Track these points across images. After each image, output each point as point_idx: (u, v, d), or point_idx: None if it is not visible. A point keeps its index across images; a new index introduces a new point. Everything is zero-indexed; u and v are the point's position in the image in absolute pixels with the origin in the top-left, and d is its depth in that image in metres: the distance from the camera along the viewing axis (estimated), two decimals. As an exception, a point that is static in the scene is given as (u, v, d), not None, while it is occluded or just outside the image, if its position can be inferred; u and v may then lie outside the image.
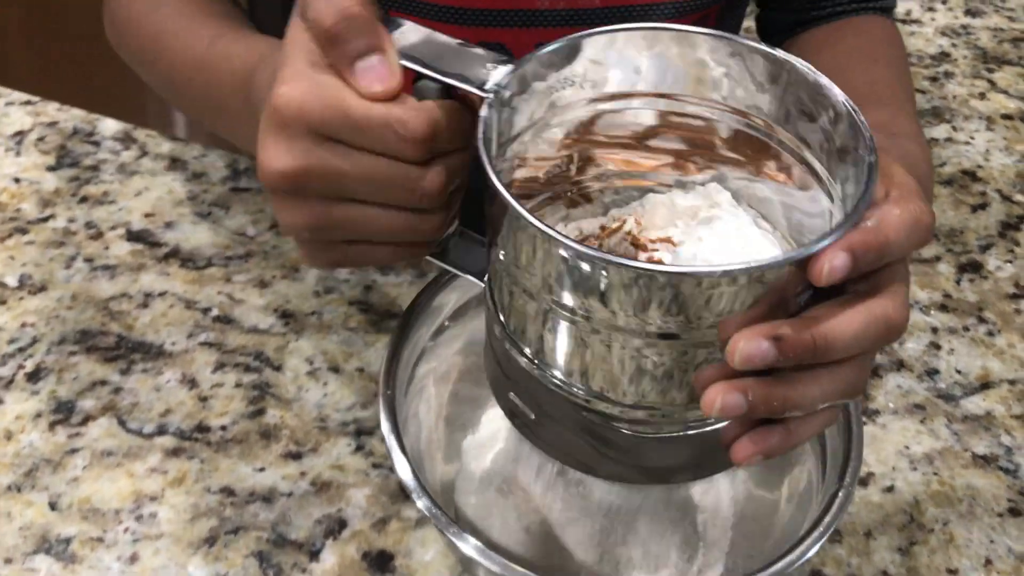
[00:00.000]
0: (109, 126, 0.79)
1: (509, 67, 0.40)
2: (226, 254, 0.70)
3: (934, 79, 0.91)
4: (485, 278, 0.43)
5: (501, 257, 0.39)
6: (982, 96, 0.89)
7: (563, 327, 0.38)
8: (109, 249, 0.70)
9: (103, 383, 0.61)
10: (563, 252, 0.35)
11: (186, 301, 0.66)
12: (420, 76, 0.40)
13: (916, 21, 0.98)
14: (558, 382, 0.40)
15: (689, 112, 0.44)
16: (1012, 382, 0.65)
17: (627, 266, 0.35)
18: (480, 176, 0.38)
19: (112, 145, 0.78)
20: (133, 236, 0.71)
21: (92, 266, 0.68)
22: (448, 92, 0.40)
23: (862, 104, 0.58)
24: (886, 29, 0.68)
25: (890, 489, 0.59)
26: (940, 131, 0.85)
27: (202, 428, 0.59)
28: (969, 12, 1.00)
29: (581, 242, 0.36)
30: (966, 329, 0.68)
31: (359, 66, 0.38)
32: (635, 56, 0.43)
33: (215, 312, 0.66)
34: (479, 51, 0.41)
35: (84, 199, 0.73)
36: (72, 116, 0.80)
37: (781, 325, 0.35)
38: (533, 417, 0.43)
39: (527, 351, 0.40)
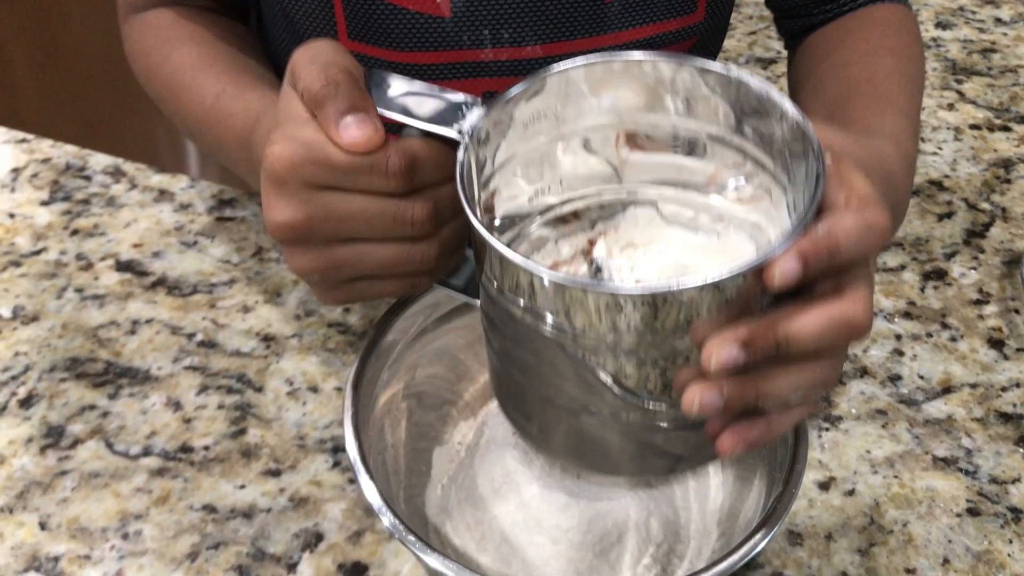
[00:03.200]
0: (100, 160, 0.82)
1: (482, 110, 0.43)
2: (211, 281, 0.72)
3: (904, 92, 0.93)
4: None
5: (486, 283, 0.42)
6: (951, 107, 0.91)
7: (547, 344, 0.41)
8: (99, 279, 0.72)
9: (92, 407, 0.64)
10: (533, 278, 0.38)
11: (172, 327, 0.69)
12: (404, 125, 0.44)
13: (887, 35, 1.00)
14: (554, 380, 0.43)
15: (655, 133, 0.46)
16: (973, 386, 0.67)
17: (593, 290, 0.37)
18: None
19: (103, 179, 0.81)
20: (122, 266, 0.73)
21: (82, 296, 0.71)
22: (428, 136, 0.44)
23: (857, 99, 0.60)
24: (896, 15, 0.68)
25: (851, 492, 0.60)
26: (908, 143, 0.87)
27: (186, 448, 0.62)
28: (940, 24, 1.02)
29: (553, 266, 0.40)
30: (929, 335, 0.70)
31: (343, 123, 0.43)
32: (600, 85, 0.45)
33: (200, 337, 0.68)
34: (455, 96, 0.44)
35: (75, 232, 0.76)
36: (65, 152, 0.83)
37: (747, 329, 0.38)
38: (535, 424, 0.47)
39: (524, 352, 0.43)
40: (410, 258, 0.45)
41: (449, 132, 0.43)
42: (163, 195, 0.79)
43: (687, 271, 0.46)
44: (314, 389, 0.65)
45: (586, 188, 0.48)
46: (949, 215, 0.80)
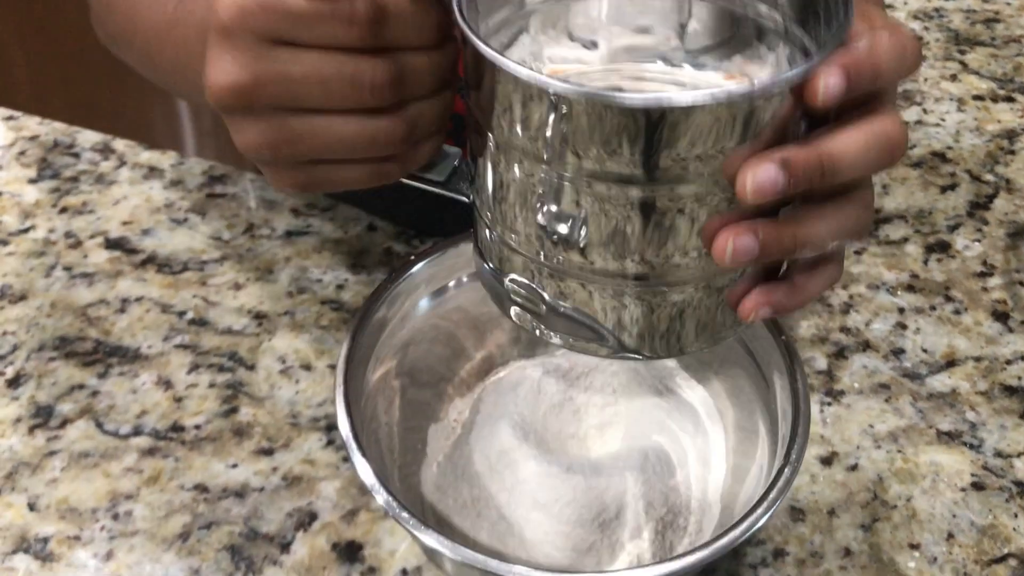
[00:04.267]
0: (89, 137, 0.81)
1: None
2: (201, 258, 0.71)
3: (906, 63, 0.91)
4: (464, 186, 0.43)
5: (491, 124, 0.38)
6: (953, 78, 0.89)
7: (557, 190, 0.37)
8: (88, 257, 0.71)
9: (81, 387, 0.63)
10: (552, 93, 0.33)
11: (162, 305, 0.68)
12: None
13: (889, 6, 0.99)
14: (560, 247, 0.39)
15: None
16: (978, 359, 0.66)
17: (618, 101, 0.33)
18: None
19: (92, 156, 0.79)
20: (111, 244, 0.72)
21: (71, 274, 0.70)
22: None
23: None
24: None
25: (854, 468, 0.59)
26: (911, 114, 0.85)
27: (177, 428, 0.61)
28: (942, -5, 1.00)
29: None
30: (933, 308, 0.69)
31: None
32: None
33: (190, 315, 0.67)
34: None
35: (64, 209, 0.75)
36: (53, 129, 0.82)
37: (787, 149, 0.35)
38: (543, 306, 0.42)
39: (519, 227, 0.39)
40: (372, 135, 0.40)
41: None
42: (153, 172, 0.78)
43: None
44: (307, 367, 0.64)
45: (591, 54, 0.44)
46: (952, 187, 0.79)
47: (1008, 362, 0.66)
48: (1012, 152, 0.82)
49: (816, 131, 0.36)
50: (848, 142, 0.36)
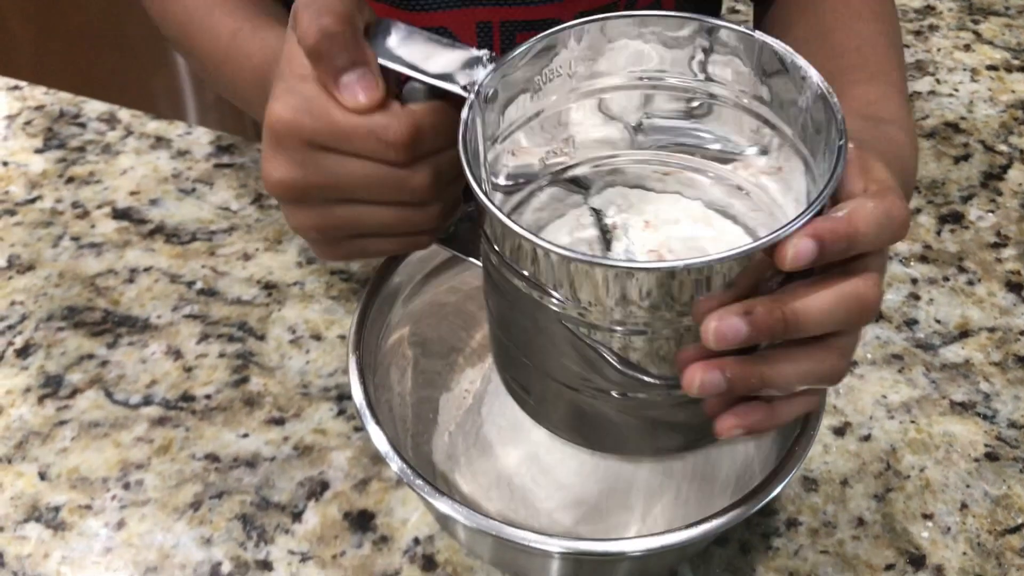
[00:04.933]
0: (95, 107, 0.80)
1: (491, 66, 0.41)
2: (210, 228, 0.71)
3: (918, 33, 0.90)
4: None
5: (487, 250, 0.41)
6: (967, 48, 0.89)
7: (548, 316, 0.39)
8: (95, 227, 0.71)
9: (90, 357, 0.63)
10: (536, 249, 0.37)
11: (171, 275, 0.67)
12: (408, 78, 0.42)
13: (902, -25, 0.98)
14: (556, 355, 0.41)
15: (673, 96, 0.44)
16: (991, 330, 0.65)
17: (598, 264, 0.36)
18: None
19: (98, 126, 0.79)
20: (119, 214, 0.72)
21: (79, 244, 0.70)
22: (435, 91, 0.42)
23: (851, 73, 0.58)
24: None
25: (867, 438, 0.59)
26: (923, 84, 0.85)
27: (187, 398, 0.60)
28: (955, -36, 0.99)
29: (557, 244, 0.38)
30: (946, 279, 0.69)
31: (343, 80, 0.41)
32: (616, 43, 0.43)
33: (199, 285, 0.67)
34: (465, 50, 0.42)
35: (71, 180, 0.74)
36: (59, 99, 0.81)
37: (752, 303, 0.36)
38: (533, 395, 0.45)
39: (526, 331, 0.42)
40: (411, 221, 0.44)
41: (455, 88, 0.41)
42: (160, 142, 0.77)
43: (698, 244, 0.44)
44: (317, 337, 0.64)
45: (599, 151, 0.47)
46: (966, 157, 0.78)
47: (1022, 332, 0.65)
48: (1026, 122, 0.81)
49: (789, 286, 0.37)
50: (816, 301, 0.36)
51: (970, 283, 0.68)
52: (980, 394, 0.62)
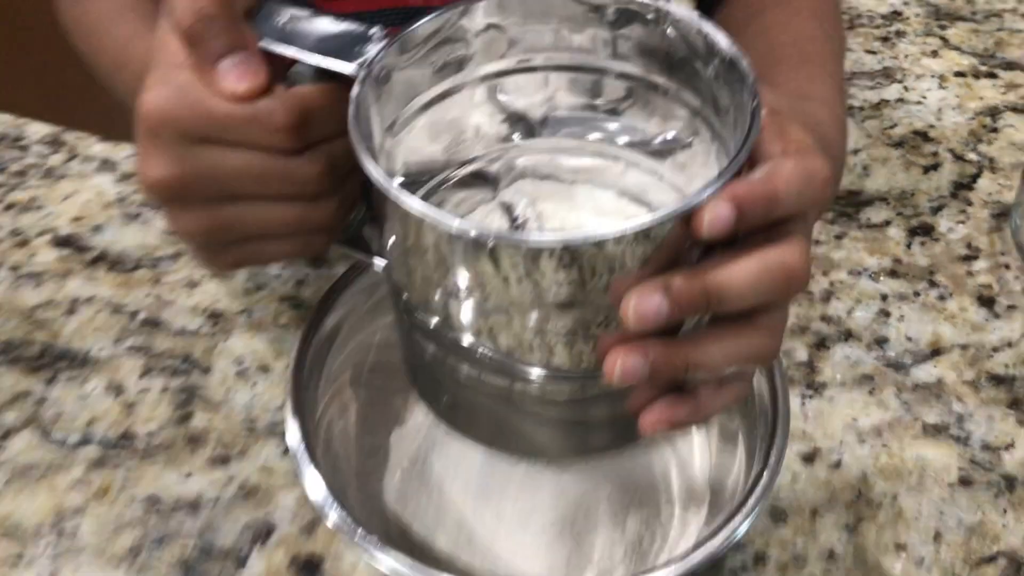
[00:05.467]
0: (37, 130, 0.77)
1: (382, 43, 0.38)
2: (155, 255, 0.68)
3: (885, 39, 0.89)
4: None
5: (387, 241, 0.37)
6: (935, 54, 0.87)
7: (460, 301, 0.36)
8: (35, 256, 0.68)
9: (26, 394, 0.60)
10: (440, 231, 0.33)
11: (113, 305, 0.65)
12: (294, 62, 0.39)
13: (868, -20, 0.96)
14: (468, 350, 0.38)
15: (584, 72, 0.42)
16: (964, 347, 0.63)
17: (508, 241, 0.33)
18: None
19: (40, 149, 0.76)
20: (60, 242, 0.69)
21: (17, 275, 0.67)
22: (323, 73, 0.39)
23: (783, 63, 0.56)
24: None
25: (837, 465, 0.57)
26: (891, 92, 0.83)
27: (128, 436, 0.58)
28: (922, -32, 0.98)
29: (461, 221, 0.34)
30: (916, 295, 0.67)
31: (221, 66, 0.38)
32: (525, 19, 0.41)
33: (143, 316, 0.64)
34: (355, 28, 0.39)
35: (10, 206, 0.71)
36: (1, 121, 0.78)
37: (671, 277, 0.34)
38: (447, 399, 0.42)
39: (433, 322, 0.39)
40: (305, 219, 0.40)
41: (343, 66, 0.38)
42: (105, 165, 0.75)
43: None
44: (264, 369, 0.61)
45: (505, 142, 0.44)
46: (935, 167, 0.76)
47: (995, 349, 0.63)
48: (995, 130, 0.79)
49: (709, 258, 0.35)
50: (739, 272, 0.34)
51: (941, 298, 0.66)
52: (953, 415, 0.60)
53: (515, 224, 0.44)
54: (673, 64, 0.40)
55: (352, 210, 0.43)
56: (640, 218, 0.32)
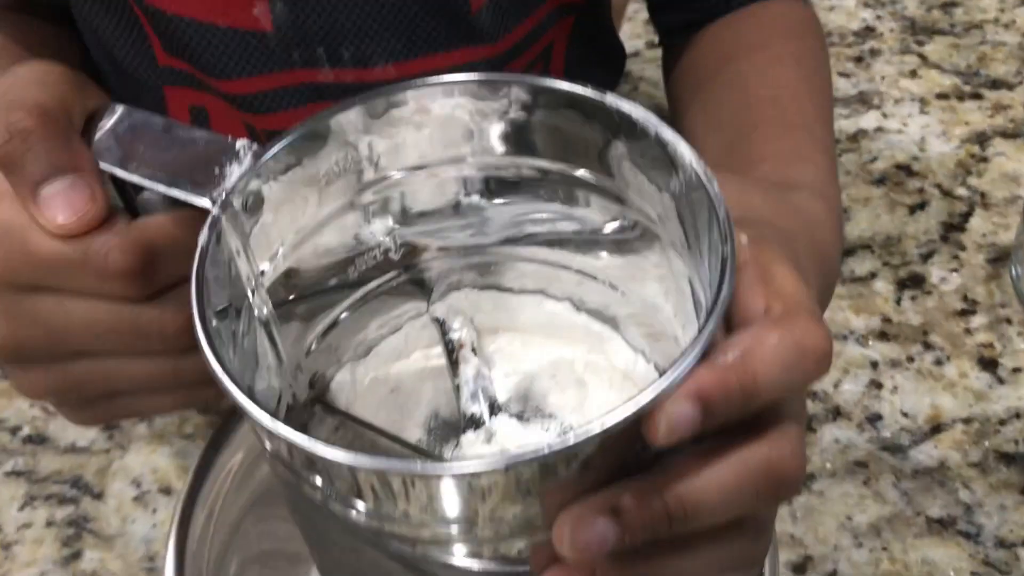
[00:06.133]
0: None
1: (248, 162, 0.30)
2: (43, 354, 0.59)
3: (859, 59, 0.81)
4: None
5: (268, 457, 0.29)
6: (913, 74, 0.79)
7: (353, 528, 0.28)
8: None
9: None
10: (328, 464, 0.25)
11: (-8, 419, 0.56)
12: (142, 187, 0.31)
13: (836, -7, 0.88)
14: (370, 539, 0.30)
15: (507, 177, 0.34)
16: (967, 420, 0.56)
17: (408, 474, 0.25)
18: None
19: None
20: (-66, 341, 0.60)
21: None
22: (176, 200, 0.31)
23: (764, 128, 0.48)
24: (795, 12, 0.56)
25: (832, 575, 0.49)
26: (869, 120, 0.75)
27: (3, 586, 0.49)
28: (893, -22, 0.90)
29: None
30: (911, 360, 0.59)
31: (42, 194, 0.31)
32: (428, 119, 0.33)
33: (26, 431, 0.55)
34: (218, 142, 0.31)
35: None
36: None
37: (620, 493, 0.25)
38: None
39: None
40: (180, 372, 0.33)
41: (199, 199, 0.30)
42: None
43: (570, 368, 0.34)
44: (166, 491, 0.53)
45: (431, 248, 0.36)
46: (921, 205, 0.69)
47: (1001, 422, 0.56)
48: (985, 159, 0.72)
49: (672, 459, 0.26)
50: (711, 480, 0.26)
51: (938, 363, 0.59)
52: (960, 506, 0.52)
53: (449, 349, 0.36)
54: (623, 164, 0.32)
55: None
56: (573, 434, 0.24)
